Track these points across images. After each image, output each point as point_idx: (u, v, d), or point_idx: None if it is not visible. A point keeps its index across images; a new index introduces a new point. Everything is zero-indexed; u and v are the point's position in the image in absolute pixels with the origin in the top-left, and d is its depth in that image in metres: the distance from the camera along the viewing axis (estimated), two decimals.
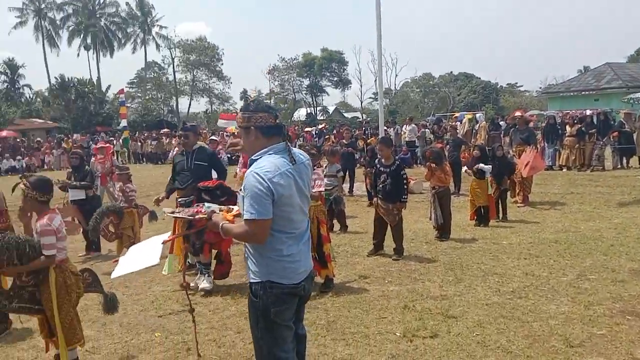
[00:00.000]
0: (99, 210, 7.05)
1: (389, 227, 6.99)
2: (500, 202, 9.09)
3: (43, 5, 58.68)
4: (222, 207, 3.42)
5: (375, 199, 7.15)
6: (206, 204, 3.43)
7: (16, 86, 53.94)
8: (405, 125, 21.24)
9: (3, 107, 40.53)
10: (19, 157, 25.15)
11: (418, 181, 12.64)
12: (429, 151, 8.51)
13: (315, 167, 6.03)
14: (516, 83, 64.08)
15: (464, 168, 9.39)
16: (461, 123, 21.69)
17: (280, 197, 2.69)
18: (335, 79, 64.81)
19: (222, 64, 62.75)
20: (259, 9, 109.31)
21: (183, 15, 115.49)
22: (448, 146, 13.35)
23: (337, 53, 63.06)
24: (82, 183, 7.98)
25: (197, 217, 3.20)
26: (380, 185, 6.87)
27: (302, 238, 2.90)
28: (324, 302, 5.34)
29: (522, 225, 8.58)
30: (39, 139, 32.44)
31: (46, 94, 51.51)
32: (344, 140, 13.42)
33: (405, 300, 5.27)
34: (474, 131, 19.55)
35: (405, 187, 6.81)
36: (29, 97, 52.90)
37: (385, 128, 18.72)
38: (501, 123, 19.89)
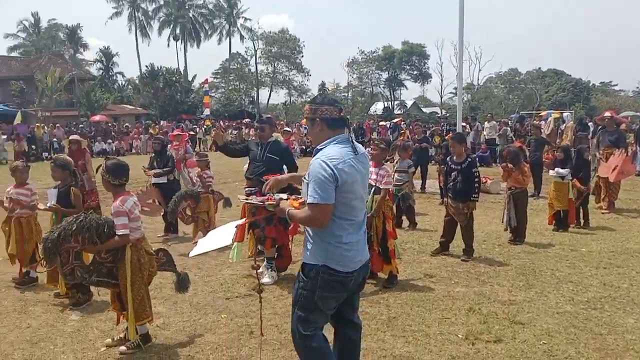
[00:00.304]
0: (178, 194, 7.41)
1: (458, 228, 6.82)
2: (582, 207, 8.60)
3: None
4: (291, 195, 3.51)
5: (445, 198, 6.99)
6: (274, 192, 3.56)
7: (110, 73, 57.53)
8: (485, 122, 20.55)
9: (97, 93, 43.27)
10: (109, 141, 26.84)
11: (495, 181, 12.23)
12: (506, 150, 8.19)
13: (384, 163, 6.02)
14: (610, 81, 60.25)
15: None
16: (546, 122, 20.67)
17: (344, 183, 2.81)
18: (415, 72, 63.82)
19: (302, 56, 63.63)
20: (341, 2, 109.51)
21: (267, 7, 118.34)
22: (530, 146, 12.78)
23: (419, 46, 62.00)
24: (165, 169, 8.41)
25: (267, 203, 3.34)
26: (451, 183, 6.72)
27: (361, 227, 3.01)
28: (387, 298, 5.32)
29: (604, 233, 8.08)
30: (127, 124, 34.41)
31: (137, 81, 54.54)
32: (416, 136, 13.17)
33: (471, 303, 5.14)
34: (559, 131, 18.57)
35: (477, 185, 6.58)
36: (121, 84, 56.25)
37: (464, 124, 18.23)
38: (589, 124, 18.76)
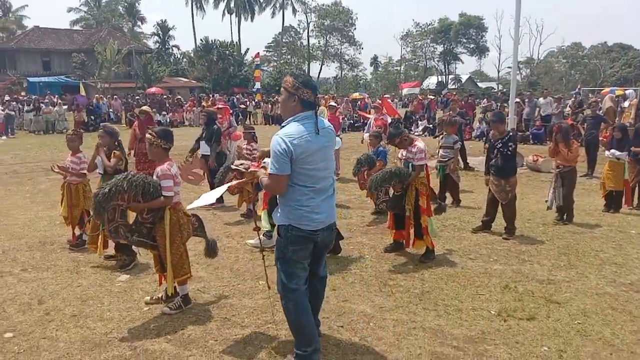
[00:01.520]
0: (225, 165, 7.63)
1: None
2: (638, 188, 8.22)
3: None
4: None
5: (488, 175, 6.88)
6: (266, 159, 3.89)
7: (166, 47, 58.77)
8: (541, 98, 19.77)
9: (154, 65, 44.36)
10: (164, 113, 27.55)
11: (547, 159, 11.83)
12: (556, 126, 7.90)
13: (414, 142, 5.90)
14: None
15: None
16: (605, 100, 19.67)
17: (299, 156, 3.19)
18: (472, 46, 62.02)
19: (355, 29, 62.90)
20: None
21: None
22: (586, 123, 12.27)
23: (477, 18, 60.05)
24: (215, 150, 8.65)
25: (249, 170, 3.69)
26: (493, 160, 6.61)
27: (323, 193, 3.38)
28: (422, 272, 5.34)
29: None
30: (179, 96, 35.21)
31: (192, 54, 55.49)
32: (451, 112, 12.78)
33: (507, 280, 5.09)
34: (619, 109, 17.65)
35: (511, 150, 6.54)
36: (177, 57, 57.40)
37: (518, 100, 17.62)
38: None
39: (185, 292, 4.47)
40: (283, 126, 3.32)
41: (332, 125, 3.56)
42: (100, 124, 23.84)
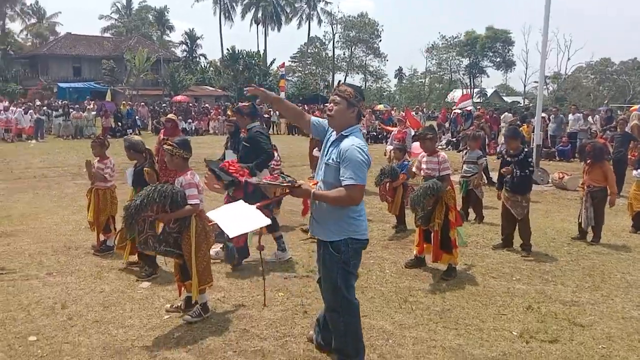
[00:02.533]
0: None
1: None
2: None
3: None
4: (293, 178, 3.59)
5: (500, 191, 6.83)
6: (282, 175, 3.70)
7: (194, 55, 59.62)
8: (570, 115, 19.46)
9: (181, 73, 45.04)
10: (189, 120, 27.94)
11: (574, 177, 11.63)
12: (589, 145, 7.72)
13: (438, 150, 5.92)
14: None
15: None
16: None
17: (368, 167, 3.32)
18: (498, 59, 61.53)
19: (381, 40, 62.99)
20: None
21: None
22: (614, 141, 12.02)
23: (504, 32, 59.59)
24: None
25: (283, 184, 3.47)
26: (508, 176, 6.56)
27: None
28: (443, 290, 5.29)
29: None
30: (207, 104, 35.66)
31: (218, 64, 56.18)
32: (472, 127, 12.64)
33: (530, 301, 5.00)
34: None
35: (531, 170, 6.54)
36: (204, 66, 58.12)
37: (544, 115, 17.39)
38: None
39: (204, 301, 4.50)
40: (346, 135, 3.34)
41: None
42: (127, 130, 24.34)
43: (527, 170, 6.48)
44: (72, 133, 23.96)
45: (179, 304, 4.66)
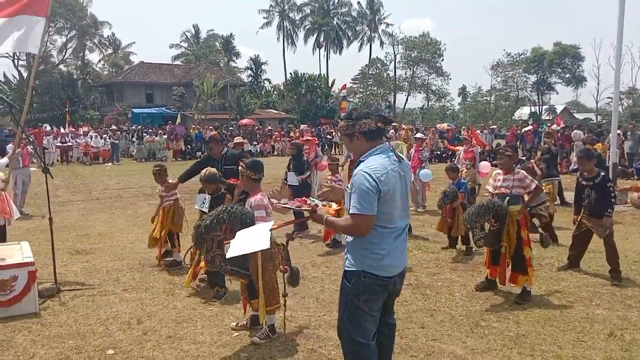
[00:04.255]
0: (312, 195, 7.82)
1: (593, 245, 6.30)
2: None
3: (286, 7, 65.60)
4: (324, 202, 3.58)
5: (576, 216, 6.47)
6: (311, 198, 3.66)
7: (258, 80, 61.32)
8: None
9: (247, 98, 46.41)
10: (254, 143, 28.66)
11: None
12: None
13: (515, 168, 5.74)
14: None
15: None
16: None
17: (386, 194, 2.90)
18: (568, 75, 59.28)
19: (443, 59, 62.33)
20: (486, 2, 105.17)
21: (409, 11, 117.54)
22: None
23: (573, 47, 57.49)
24: (303, 177, 8.84)
25: (302, 208, 3.43)
26: (585, 201, 6.21)
27: (399, 235, 3.07)
28: (517, 314, 5.06)
29: None
30: (270, 127, 36.46)
31: (282, 87, 57.46)
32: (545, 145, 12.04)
33: (612, 327, 4.70)
34: None
35: (613, 200, 6.08)
36: (268, 89, 59.64)
37: (619, 132, 16.53)
38: None
39: (272, 322, 4.53)
40: (362, 160, 3.02)
41: (406, 160, 3.24)
42: (197, 152, 25.24)
43: (609, 195, 6.04)
44: (145, 156, 25.15)
45: (245, 322, 4.73)
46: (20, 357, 4.22)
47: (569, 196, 11.82)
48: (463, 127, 31.52)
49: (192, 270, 5.55)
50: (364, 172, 2.90)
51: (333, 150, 28.73)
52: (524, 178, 5.55)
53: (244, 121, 38.23)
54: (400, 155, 3.09)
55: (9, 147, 9.93)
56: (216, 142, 6.86)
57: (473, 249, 7.17)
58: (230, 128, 33.95)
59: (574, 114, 60.55)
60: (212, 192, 5.85)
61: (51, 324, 4.87)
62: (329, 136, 30.14)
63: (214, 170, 5.89)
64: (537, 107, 58.65)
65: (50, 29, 48.60)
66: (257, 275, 4.32)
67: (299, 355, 4.21)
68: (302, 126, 33.01)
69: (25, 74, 47.71)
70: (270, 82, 62.96)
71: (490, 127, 32.81)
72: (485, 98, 62.02)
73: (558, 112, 58.62)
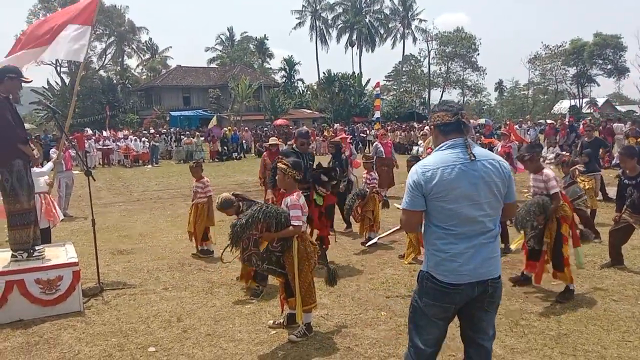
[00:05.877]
0: (353, 193, 7.89)
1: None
2: None
3: (318, 7, 65.74)
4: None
5: (619, 213, 6.24)
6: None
7: (292, 80, 61.65)
8: None
9: (281, 98, 46.74)
10: (289, 142, 28.82)
11: None
12: None
13: (543, 168, 5.52)
14: None
15: None
16: None
17: (432, 191, 2.72)
18: (609, 67, 57.33)
19: (478, 54, 61.30)
20: None
21: (443, 6, 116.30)
22: None
23: (614, 37, 55.59)
24: (343, 181, 8.87)
25: (393, 229, 3.39)
26: (629, 199, 6.01)
27: (470, 239, 2.75)
28: (558, 313, 4.95)
29: None
30: (304, 126, 36.61)
31: (315, 87, 57.61)
32: (585, 138, 11.57)
33: None
34: None
35: None
36: (301, 90, 59.90)
37: None
38: None
39: (309, 321, 4.55)
40: None
41: (500, 158, 2.92)
42: (233, 153, 25.58)
43: None
44: (183, 158, 25.63)
45: (282, 320, 4.78)
46: (66, 354, 4.38)
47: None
48: (504, 122, 30.91)
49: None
50: (416, 167, 2.84)
51: (367, 148, 28.63)
52: (548, 180, 5.35)
53: (279, 121, 38.43)
54: (479, 151, 2.81)
55: (52, 151, 10.30)
56: (309, 138, 6.64)
57: (512, 249, 7.03)
58: (265, 128, 34.26)
59: (617, 106, 58.52)
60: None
61: (95, 323, 5.03)
62: (362, 134, 30.03)
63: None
64: (577, 100, 56.94)
65: (92, 36, 50.10)
66: (294, 274, 4.36)
67: (335, 354, 4.23)
68: (336, 125, 33.04)
69: (67, 80, 49.30)
70: (303, 82, 63.29)
71: (538, 121, 31.98)
72: (522, 92, 60.65)
73: (599, 104, 56.85)
